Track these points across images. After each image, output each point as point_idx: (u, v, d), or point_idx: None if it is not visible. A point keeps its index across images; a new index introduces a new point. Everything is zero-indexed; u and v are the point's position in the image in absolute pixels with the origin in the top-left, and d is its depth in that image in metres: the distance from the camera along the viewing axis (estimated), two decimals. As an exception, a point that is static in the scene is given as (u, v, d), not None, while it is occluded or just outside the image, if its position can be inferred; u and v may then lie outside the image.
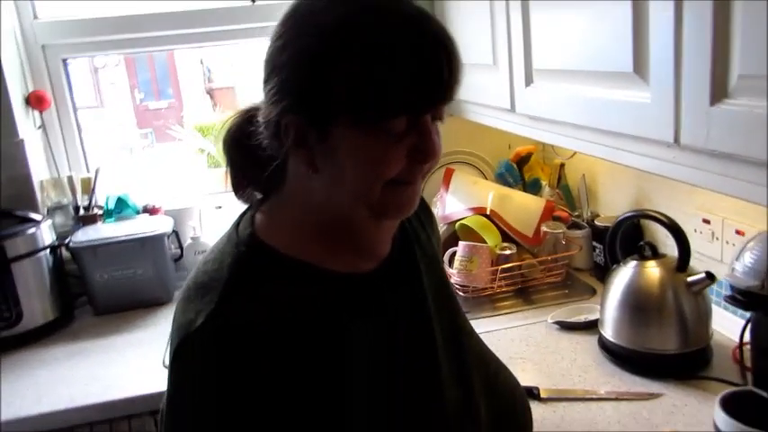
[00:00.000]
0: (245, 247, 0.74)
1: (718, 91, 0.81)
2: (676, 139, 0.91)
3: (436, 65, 0.65)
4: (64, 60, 2.02)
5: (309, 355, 0.71)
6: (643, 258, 1.30)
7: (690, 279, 1.22)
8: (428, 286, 0.86)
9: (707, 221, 1.39)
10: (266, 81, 0.71)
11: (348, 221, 0.76)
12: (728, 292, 1.07)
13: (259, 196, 0.81)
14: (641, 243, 1.31)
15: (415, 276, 0.85)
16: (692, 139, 0.88)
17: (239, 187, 0.81)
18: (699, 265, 1.40)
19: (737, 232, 1.30)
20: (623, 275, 1.30)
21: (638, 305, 1.26)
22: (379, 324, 0.79)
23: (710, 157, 0.86)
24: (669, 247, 1.40)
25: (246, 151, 0.76)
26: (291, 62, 0.67)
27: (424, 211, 0.96)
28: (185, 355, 0.69)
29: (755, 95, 0.75)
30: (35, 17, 1.95)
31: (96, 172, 1.98)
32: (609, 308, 1.32)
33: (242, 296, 0.70)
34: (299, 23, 0.69)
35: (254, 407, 0.66)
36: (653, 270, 1.27)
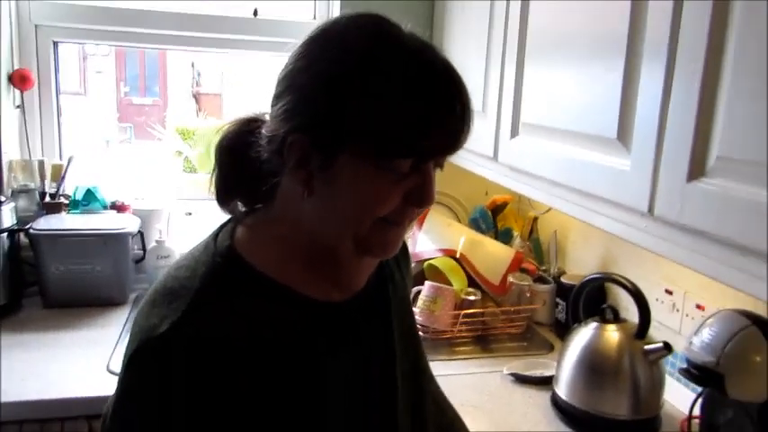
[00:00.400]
0: (221, 258, 0.73)
1: (696, 168, 0.83)
2: (650, 210, 0.92)
3: (454, 118, 0.67)
4: (55, 43, 1.99)
5: (271, 377, 0.69)
6: (604, 321, 1.31)
7: (647, 347, 1.23)
8: (396, 326, 0.85)
9: (669, 292, 1.41)
10: (278, 96, 0.70)
11: (331, 250, 0.74)
12: (684, 365, 1.08)
13: (243, 209, 0.80)
14: (604, 306, 1.33)
15: (385, 315, 0.85)
16: (665, 211, 0.89)
17: (225, 196, 0.79)
18: (657, 334, 1.41)
19: (698, 306, 1.32)
20: (583, 335, 1.31)
21: (595, 367, 1.27)
22: (353, 355, 0.78)
23: (681, 231, 0.88)
24: (631, 312, 1.42)
25: (241, 161, 0.74)
26: (311, 83, 0.67)
27: (403, 251, 0.96)
28: (142, 361, 0.66)
29: (731, 177, 0.77)
30: (32, -4, 1.92)
31: (69, 160, 1.94)
32: (565, 366, 1.32)
33: (211, 308, 0.68)
34: (326, 47, 0.69)
35: (206, 425, 0.64)
36: (612, 334, 1.28)
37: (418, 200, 0.70)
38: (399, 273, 0.92)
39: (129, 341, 0.69)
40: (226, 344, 0.67)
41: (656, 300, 1.43)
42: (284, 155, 0.69)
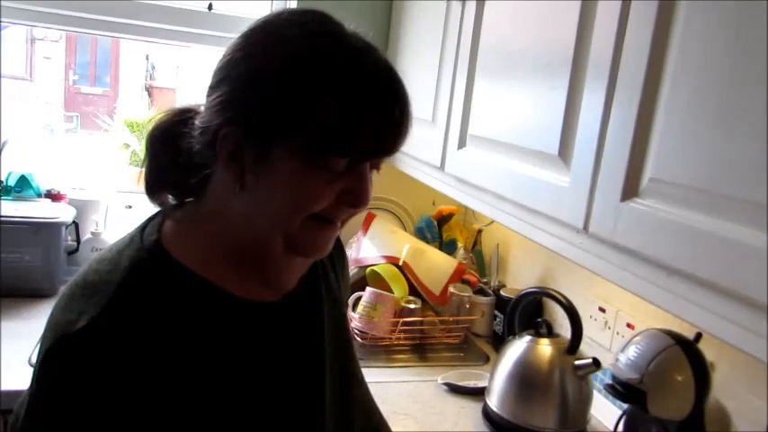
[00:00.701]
0: (146, 253, 0.70)
1: (630, 188, 0.85)
2: (585, 227, 0.94)
3: (391, 121, 0.66)
4: (-4, 23, 1.91)
5: (190, 376, 0.67)
6: (538, 335, 1.33)
7: (577, 363, 1.26)
8: (327, 328, 0.84)
9: (603, 310, 1.45)
10: (214, 87, 0.69)
11: (261, 248, 0.73)
12: (610, 381, 1.10)
13: (173, 202, 0.77)
14: (539, 320, 1.35)
15: (316, 315, 0.84)
16: (599, 229, 0.91)
17: (154, 188, 0.76)
18: (588, 350, 1.44)
19: (628, 325, 1.36)
20: (516, 348, 1.32)
21: (525, 380, 1.29)
22: (279, 356, 0.76)
23: (614, 249, 0.90)
24: (565, 328, 1.44)
25: (173, 152, 0.72)
26: (248, 76, 0.67)
27: (338, 252, 0.95)
28: (59, 357, 0.63)
29: (661, 199, 0.80)
30: (-25, -28, 1.84)
31: (3, 144, 1.86)
32: (498, 378, 1.34)
33: (132, 304, 0.66)
34: (265, 41, 0.68)
35: (122, 422, 0.62)
36: (545, 348, 1.30)
37: (352, 200, 0.69)
38: (334, 273, 0.91)
39: (45, 336, 0.66)
40: (145, 341, 0.65)
41: (590, 317, 1.46)
42: (216, 147, 0.68)
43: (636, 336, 1.11)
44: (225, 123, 0.67)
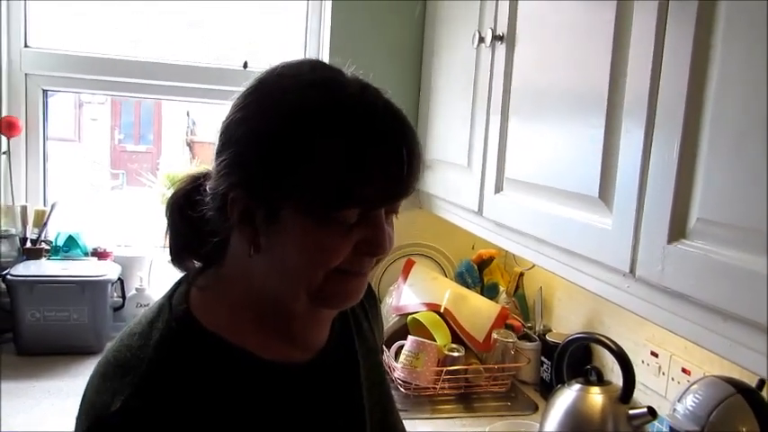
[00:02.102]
0: (175, 324, 0.69)
1: (677, 230, 0.82)
2: (632, 270, 0.91)
3: (399, 161, 0.64)
4: (45, 91, 2.00)
5: None
6: (588, 383, 1.28)
7: (632, 412, 1.20)
8: (364, 380, 0.82)
9: (655, 354, 1.39)
10: (219, 151, 0.68)
11: (285, 307, 0.71)
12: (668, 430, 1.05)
13: (197, 265, 0.76)
14: (588, 367, 1.30)
15: (352, 369, 0.82)
16: (646, 272, 0.88)
17: (177, 255, 0.76)
18: (642, 397, 1.38)
19: (684, 370, 1.30)
20: (566, 398, 1.27)
21: (578, 430, 1.23)
22: (317, 416, 0.75)
23: (663, 293, 0.86)
24: (615, 373, 1.39)
25: (190, 219, 0.72)
26: (248, 138, 0.66)
27: (370, 299, 0.93)
28: None
29: (712, 240, 0.77)
30: (25, 45, 1.94)
31: (52, 206, 1.92)
32: (548, 429, 1.28)
33: (165, 380, 0.65)
34: (261, 100, 0.67)
35: None
36: (596, 397, 1.24)
37: (370, 250, 0.67)
38: (367, 322, 0.89)
39: (80, 418, 0.66)
40: (181, 416, 0.64)
41: (642, 362, 1.40)
42: (228, 211, 0.67)
43: (693, 384, 1.06)
44: (231, 187, 0.66)
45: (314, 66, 0.69)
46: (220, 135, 0.69)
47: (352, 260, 0.67)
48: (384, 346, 1.22)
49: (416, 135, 0.67)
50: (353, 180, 0.62)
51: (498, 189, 1.37)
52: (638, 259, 0.90)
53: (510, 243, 1.36)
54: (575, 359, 1.37)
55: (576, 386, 1.27)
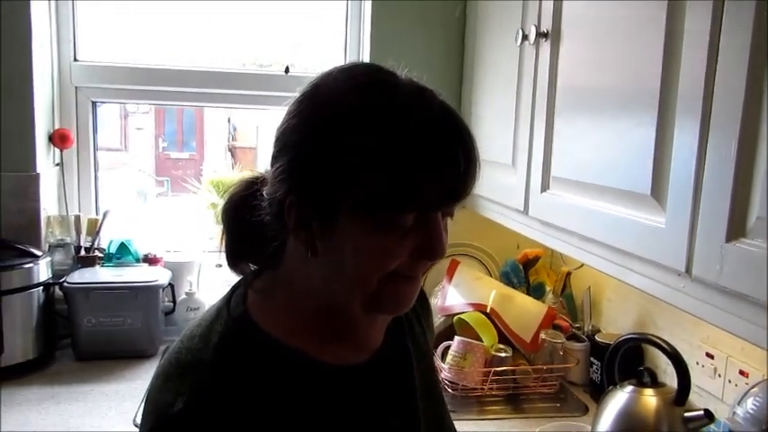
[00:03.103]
0: (234, 327, 0.71)
1: (736, 228, 0.80)
2: (687, 270, 0.89)
3: (455, 163, 0.63)
4: (94, 103, 2.06)
5: None
6: (641, 384, 1.25)
7: (687, 414, 1.17)
8: (419, 384, 0.82)
9: (710, 356, 1.35)
10: (275, 157, 0.69)
11: (342, 311, 0.72)
12: (728, 435, 1.02)
13: (253, 268, 0.78)
14: (641, 368, 1.27)
15: (406, 372, 0.82)
16: (703, 271, 0.86)
17: (234, 259, 0.77)
18: (697, 400, 1.35)
19: (741, 372, 1.26)
20: (619, 399, 1.25)
21: (632, 433, 1.21)
22: (373, 419, 0.75)
23: (720, 293, 0.84)
24: (669, 375, 1.36)
25: (246, 224, 0.72)
26: (302, 143, 0.66)
27: (422, 304, 0.92)
28: None
29: (773, 239, 0.74)
30: (75, 59, 2.01)
31: (104, 215, 1.98)
32: (601, 431, 1.26)
33: (225, 382, 0.66)
34: (317, 104, 0.67)
35: None
36: (650, 399, 1.22)
37: (426, 254, 0.66)
38: (420, 326, 0.89)
39: (144, 418, 0.68)
40: (242, 417, 0.65)
41: (697, 363, 1.37)
42: (284, 217, 0.67)
43: (754, 386, 1.03)
44: (288, 193, 0.66)
45: (368, 68, 0.69)
46: (276, 141, 0.69)
47: (408, 264, 0.67)
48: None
49: (473, 137, 0.66)
50: (411, 183, 0.62)
51: (545, 188, 1.35)
52: (695, 258, 0.87)
53: (557, 242, 1.34)
54: (625, 361, 1.34)
55: (629, 388, 1.25)
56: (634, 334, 1.38)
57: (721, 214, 0.82)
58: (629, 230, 1.04)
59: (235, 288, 0.77)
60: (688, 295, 0.92)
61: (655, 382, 1.25)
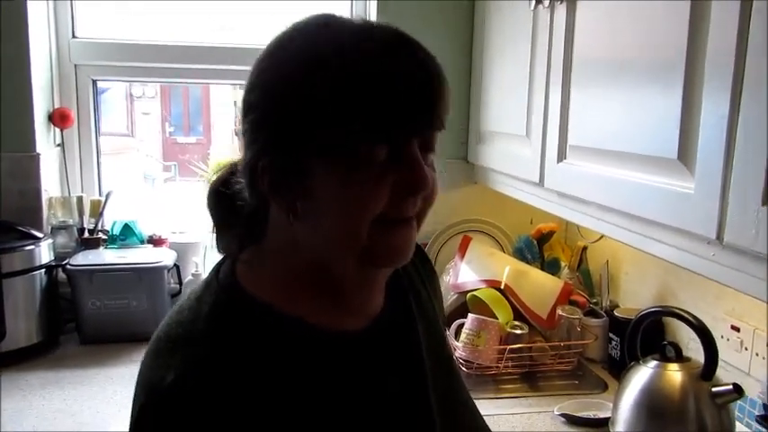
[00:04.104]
0: (224, 295, 0.68)
1: (773, 190, 0.74)
2: (719, 236, 0.84)
3: (415, 87, 0.60)
4: (94, 81, 2.01)
5: (287, 416, 0.63)
6: (665, 359, 1.20)
7: (715, 389, 1.12)
8: (426, 350, 0.77)
9: (736, 329, 1.29)
10: (242, 124, 0.67)
11: (335, 273, 0.68)
12: (761, 412, 0.97)
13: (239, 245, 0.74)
14: (665, 343, 1.22)
15: (410, 336, 0.77)
16: (736, 238, 0.81)
17: (221, 241, 0.74)
18: (723, 375, 1.30)
19: (770, 344, 1.21)
20: (642, 375, 1.20)
21: (657, 410, 1.16)
22: (368, 386, 0.71)
23: (755, 259, 0.79)
24: (691, 350, 1.31)
25: (226, 203, 0.71)
26: (262, 98, 0.64)
27: (424, 266, 0.87)
28: (152, 413, 0.61)
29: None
30: (73, 36, 1.95)
31: (107, 196, 1.94)
32: (623, 408, 1.21)
33: (218, 351, 0.63)
34: (270, 62, 0.65)
35: None
36: (675, 374, 1.17)
37: (408, 187, 0.62)
38: (425, 291, 0.84)
39: (136, 395, 0.64)
40: (237, 386, 0.61)
41: (721, 337, 1.31)
42: (258, 183, 0.65)
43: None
44: (258, 157, 0.64)
45: (320, 18, 0.66)
46: (241, 111, 0.67)
47: (394, 205, 0.63)
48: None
49: (436, 60, 0.63)
50: (372, 111, 0.59)
51: (561, 158, 1.30)
52: (727, 224, 0.82)
53: (575, 214, 1.29)
54: (646, 336, 1.29)
55: (653, 363, 1.20)
56: (657, 307, 1.33)
57: (756, 176, 0.77)
58: (653, 198, 0.98)
59: (222, 262, 0.73)
60: (719, 263, 0.87)
61: (680, 357, 1.20)
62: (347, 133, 0.60)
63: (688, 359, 1.20)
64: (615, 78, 1.10)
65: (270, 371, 0.64)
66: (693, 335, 1.33)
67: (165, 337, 0.66)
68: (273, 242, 0.70)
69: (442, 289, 1.78)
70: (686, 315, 1.17)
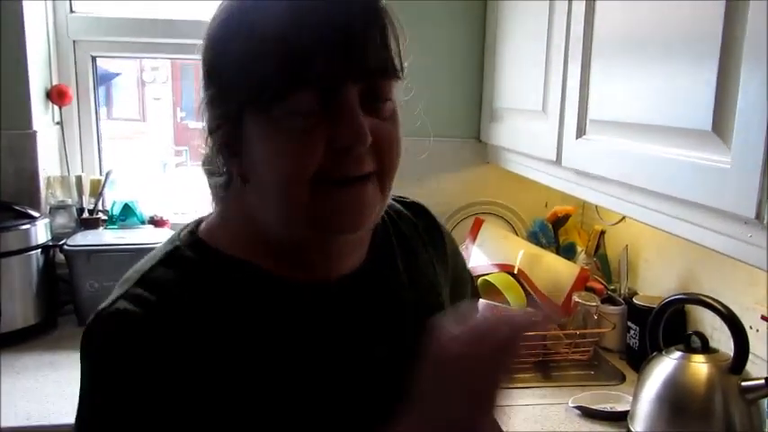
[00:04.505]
0: (183, 243, 0.67)
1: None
2: (758, 215, 0.76)
3: (329, 28, 0.56)
4: (93, 58, 1.95)
5: (238, 360, 0.62)
6: (690, 350, 1.12)
7: (745, 384, 1.04)
8: (414, 310, 0.73)
9: (767, 319, 1.21)
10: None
11: (291, 240, 0.65)
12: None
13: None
14: (690, 333, 1.14)
15: (388, 294, 0.73)
16: (779, 217, 0.72)
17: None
18: (751, 368, 1.21)
19: (804, 336, 1.13)
20: (665, 366, 1.12)
21: (680, 404, 1.09)
22: (331, 337, 0.67)
23: (800, 242, 0.71)
24: (716, 342, 1.22)
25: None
26: (202, 66, 0.64)
27: (430, 230, 0.83)
28: (93, 332, 0.63)
29: None
30: (71, 11, 1.89)
31: (107, 175, 1.88)
32: (644, 401, 1.14)
33: (164, 282, 0.63)
34: (205, 33, 0.64)
35: (164, 403, 0.59)
36: (701, 366, 1.09)
37: (340, 138, 0.58)
38: (427, 254, 0.80)
39: None
40: (178, 324, 0.61)
41: (750, 327, 1.22)
42: (212, 152, 0.66)
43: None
44: (208, 122, 0.64)
45: None
46: None
47: (332, 162, 0.58)
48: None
49: (375, 3, 0.59)
50: (288, 55, 0.56)
51: (580, 133, 1.22)
52: (768, 201, 0.74)
53: (595, 194, 1.21)
54: (667, 325, 1.21)
55: (677, 353, 1.12)
56: (682, 294, 1.25)
57: (803, 147, 0.68)
58: (683, 174, 0.90)
59: (186, 225, 0.72)
60: (756, 246, 0.79)
61: (706, 348, 1.12)
62: (272, 85, 0.57)
63: (715, 350, 1.13)
64: (641, 50, 1.02)
65: (219, 311, 0.63)
66: (717, 325, 1.26)
67: (121, 280, 0.66)
68: (233, 210, 0.68)
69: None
70: (714, 303, 1.08)
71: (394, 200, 0.80)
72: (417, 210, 0.83)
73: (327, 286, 0.68)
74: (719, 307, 1.07)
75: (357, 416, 0.66)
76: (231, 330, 0.62)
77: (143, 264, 0.66)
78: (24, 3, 1.70)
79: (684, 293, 1.31)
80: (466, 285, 0.91)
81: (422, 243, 0.80)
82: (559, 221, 1.87)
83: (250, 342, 0.63)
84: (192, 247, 0.66)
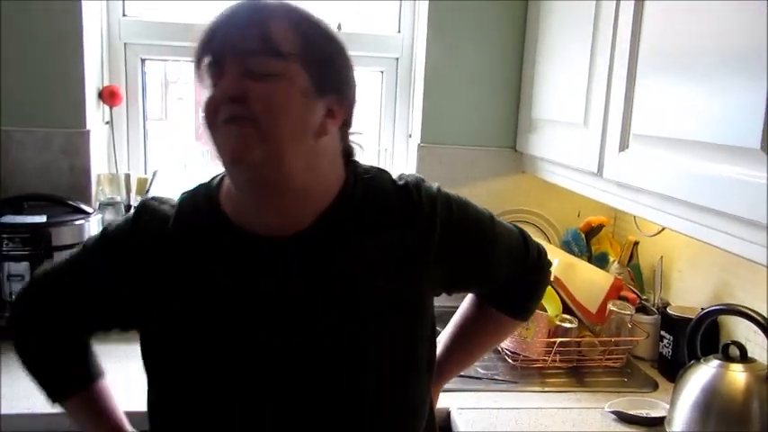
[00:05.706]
0: (206, 189, 0.89)
1: None
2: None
3: (225, 18, 0.79)
4: (143, 60, 2.02)
5: (180, 298, 0.85)
6: (728, 359, 1.16)
7: (783, 392, 1.08)
8: (367, 279, 0.84)
9: (801, 329, 1.24)
10: None
11: (241, 195, 0.84)
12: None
13: None
14: (728, 342, 1.17)
15: (326, 261, 0.84)
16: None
17: None
18: (787, 377, 1.24)
19: (841, 348, 1.15)
20: (702, 375, 1.16)
21: (718, 411, 1.12)
22: (276, 294, 0.82)
23: None
24: (750, 352, 1.25)
25: None
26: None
27: (412, 212, 0.87)
28: (99, 236, 0.94)
29: None
30: (123, 14, 1.96)
31: (154, 174, 1.95)
32: (681, 407, 1.17)
33: (183, 208, 0.88)
34: None
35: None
36: (739, 375, 1.12)
37: (217, 91, 0.78)
38: (415, 238, 0.86)
39: None
40: (146, 253, 0.86)
41: (786, 338, 1.26)
42: None
43: None
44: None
45: None
46: None
47: (219, 110, 0.78)
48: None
49: (268, 7, 0.80)
50: (203, 33, 0.80)
51: (623, 146, 1.25)
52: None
53: (635, 206, 1.25)
54: (702, 335, 1.25)
55: (715, 362, 1.16)
56: (721, 305, 1.28)
57: None
58: (729, 189, 0.94)
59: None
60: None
61: (744, 358, 1.15)
62: (195, 52, 0.80)
63: (753, 360, 1.16)
64: (688, 66, 1.05)
65: (196, 248, 0.85)
66: (751, 336, 1.28)
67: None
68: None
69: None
70: (753, 314, 1.12)
71: (392, 179, 0.90)
72: (404, 191, 0.89)
73: (280, 241, 0.83)
74: (758, 318, 1.10)
75: (272, 354, 0.83)
76: (194, 265, 0.84)
77: (190, 188, 0.91)
78: (83, 4, 1.77)
79: (723, 304, 1.34)
80: (484, 249, 0.97)
81: (394, 224, 0.86)
82: (592, 231, 1.90)
83: (201, 277, 0.84)
84: (207, 198, 0.87)
